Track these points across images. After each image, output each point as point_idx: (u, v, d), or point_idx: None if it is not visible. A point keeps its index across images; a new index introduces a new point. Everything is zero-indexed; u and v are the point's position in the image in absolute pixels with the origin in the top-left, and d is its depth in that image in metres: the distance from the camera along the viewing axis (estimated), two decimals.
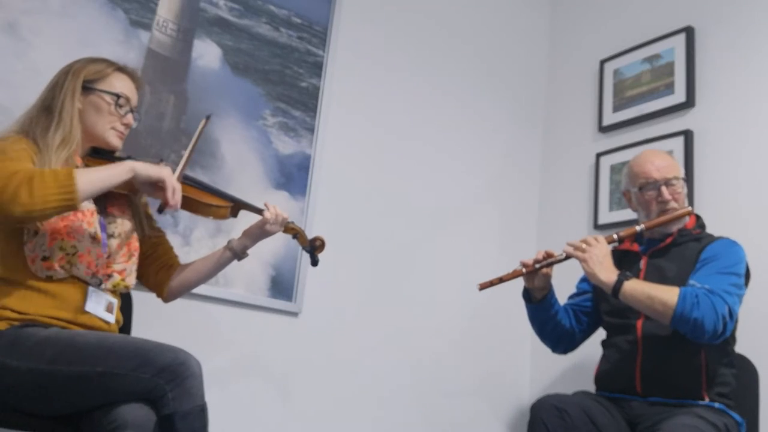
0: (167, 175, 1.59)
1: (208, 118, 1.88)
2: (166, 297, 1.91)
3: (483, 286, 2.13)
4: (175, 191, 1.60)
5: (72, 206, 1.49)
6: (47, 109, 1.68)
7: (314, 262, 1.95)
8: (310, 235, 2.01)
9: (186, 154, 1.79)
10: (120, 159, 1.78)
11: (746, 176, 2.48)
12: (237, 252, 1.89)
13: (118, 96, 1.74)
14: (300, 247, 2.02)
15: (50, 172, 1.49)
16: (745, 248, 2.03)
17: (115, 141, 1.76)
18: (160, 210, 1.65)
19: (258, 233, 1.89)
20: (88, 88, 1.72)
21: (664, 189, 2.07)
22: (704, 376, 1.94)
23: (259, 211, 1.87)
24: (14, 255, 1.59)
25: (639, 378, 2.00)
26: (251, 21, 2.55)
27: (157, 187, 1.60)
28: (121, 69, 1.79)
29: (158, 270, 1.89)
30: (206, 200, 1.81)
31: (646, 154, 2.18)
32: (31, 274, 1.59)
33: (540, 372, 2.97)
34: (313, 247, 1.94)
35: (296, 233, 1.93)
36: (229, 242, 1.90)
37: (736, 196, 2.48)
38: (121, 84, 1.76)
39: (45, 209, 1.45)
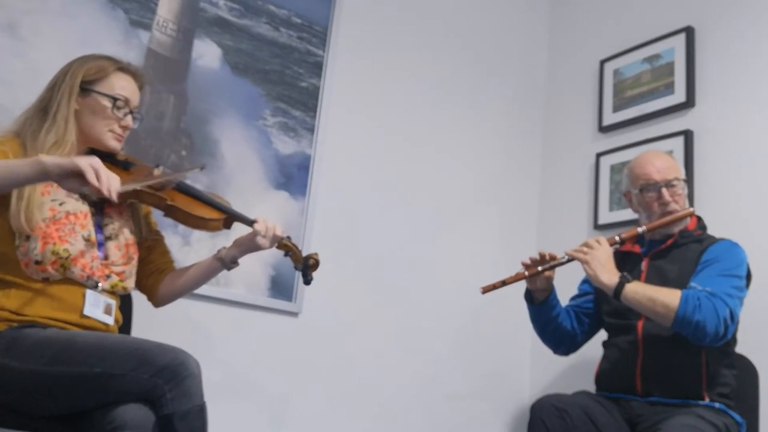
0: (83, 161, 1.39)
1: (201, 168, 1.91)
2: (157, 301, 1.89)
3: (486, 290, 2.12)
4: (99, 174, 1.40)
5: None
6: (43, 109, 1.67)
7: (307, 282, 1.89)
8: (310, 248, 1.98)
9: (163, 178, 1.74)
10: (117, 162, 1.76)
11: (746, 176, 2.48)
12: (226, 262, 1.85)
13: (115, 99, 1.71)
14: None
15: None
16: (745, 248, 2.03)
17: (112, 143, 1.74)
18: (86, 196, 1.48)
19: (248, 245, 1.84)
20: (85, 89, 1.69)
21: (664, 191, 2.07)
22: (704, 377, 1.94)
23: (251, 224, 1.83)
24: (10, 257, 1.59)
25: (639, 378, 2.00)
26: (251, 21, 2.55)
27: (79, 177, 1.40)
28: (122, 68, 1.76)
29: (150, 274, 1.87)
30: (198, 212, 1.78)
31: (646, 155, 2.18)
32: (27, 276, 1.59)
33: (540, 372, 2.97)
34: (306, 266, 1.87)
35: (289, 250, 1.88)
36: (218, 251, 1.86)
37: (736, 196, 2.48)
38: (121, 84, 1.73)
39: None
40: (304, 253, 1.91)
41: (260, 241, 1.81)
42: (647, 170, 2.10)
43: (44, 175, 1.41)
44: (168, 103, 2.33)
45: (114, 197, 1.43)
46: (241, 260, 1.91)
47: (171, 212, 1.78)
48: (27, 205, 1.56)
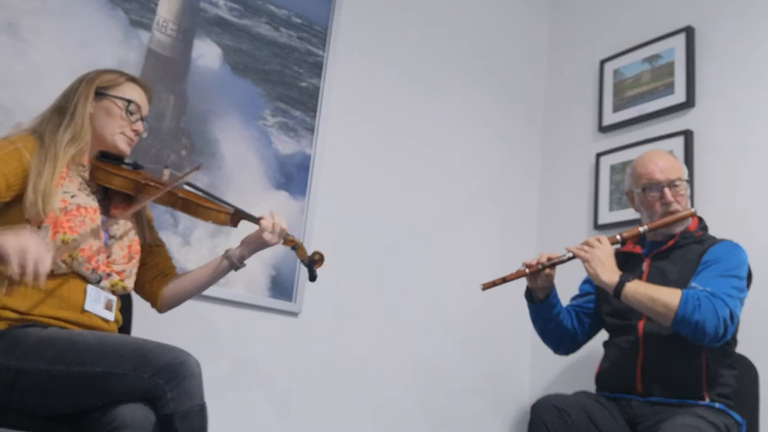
0: (13, 247, 1.39)
1: (198, 167, 1.91)
2: (161, 307, 1.90)
3: (486, 286, 2.13)
4: (27, 264, 1.39)
5: None
6: (60, 110, 1.73)
7: (312, 278, 1.92)
8: (310, 248, 2.00)
9: (164, 189, 1.77)
10: (127, 164, 1.81)
11: (746, 176, 2.48)
12: (234, 262, 1.87)
13: (129, 102, 1.77)
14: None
15: None
16: (745, 248, 2.03)
17: (123, 146, 1.79)
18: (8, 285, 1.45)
19: (256, 242, 1.87)
20: (101, 93, 1.76)
21: (667, 191, 2.07)
22: (705, 377, 1.94)
23: (257, 221, 1.86)
24: None
25: (639, 378, 2.00)
26: (251, 21, 2.55)
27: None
28: (133, 79, 1.83)
29: (153, 278, 1.89)
30: (206, 204, 1.82)
31: (649, 154, 2.17)
32: None
33: (540, 372, 2.97)
34: (312, 261, 1.91)
35: (295, 245, 1.92)
36: (226, 251, 1.88)
37: (735, 196, 2.48)
38: (132, 93, 1.80)
39: None
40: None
41: (267, 237, 1.84)
42: (650, 169, 2.10)
43: None
44: (168, 103, 2.33)
45: (40, 283, 1.42)
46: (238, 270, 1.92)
47: (184, 205, 1.81)
48: (44, 194, 1.59)
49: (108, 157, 1.78)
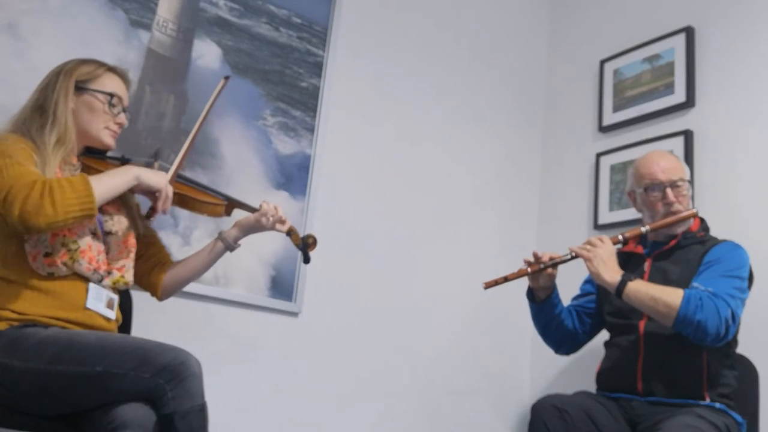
0: (164, 184, 1.66)
1: (227, 78, 1.89)
2: (161, 295, 1.91)
3: (488, 285, 2.13)
4: (167, 200, 1.68)
5: (92, 215, 1.54)
6: (41, 108, 1.69)
7: (306, 260, 1.96)
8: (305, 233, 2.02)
9: (189, 138, 1.82)
10: (114, 159, 1.80)
11: (746, 176, 2.48)
12: (230, 243, 1.89)
13: (111, 95, 1.75)
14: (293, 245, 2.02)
15: (67, 182, 1.51)
16: (745, 248, 2.03)
17: (108, 140, 1.78)
18: (148, 216, 1.73)
19: (252, 225, 1.90)
20: (80, 88, 1.73)
21: (669, 191, 2.08)
22: (705, 377, 1.95)
23: (253, 211, 1.89)
24: (15, 254, 1.59)
25: (640, 377, 2.00)
26: (251, 21, 2.55)
27: (151, 193, 1.67)
28: (111, 69, 1.80)
29: (152, 268, 1.89)
30: (202, 198, 1.83)
31: (652, 155, 2.18)
32: (31, 273, 1.59)
33: (540, 372, 2.97)
34: (306, 245, 1.94)
35: (290, 231, 1.94)
36: (220, 233, 1.90)
37: (735, 196, 2.48)
38: (112, 84, 1.78)
39: (67, 219, 1.49)
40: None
41: (265, 221, 1.88)
42: (652, 170, 2.10)
43: (135, 185, 1.66)
44: (168, 103, 2.33)
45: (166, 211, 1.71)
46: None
47: (180, 200, 1.81)
48: None
49: (94, 152, 1.78)
